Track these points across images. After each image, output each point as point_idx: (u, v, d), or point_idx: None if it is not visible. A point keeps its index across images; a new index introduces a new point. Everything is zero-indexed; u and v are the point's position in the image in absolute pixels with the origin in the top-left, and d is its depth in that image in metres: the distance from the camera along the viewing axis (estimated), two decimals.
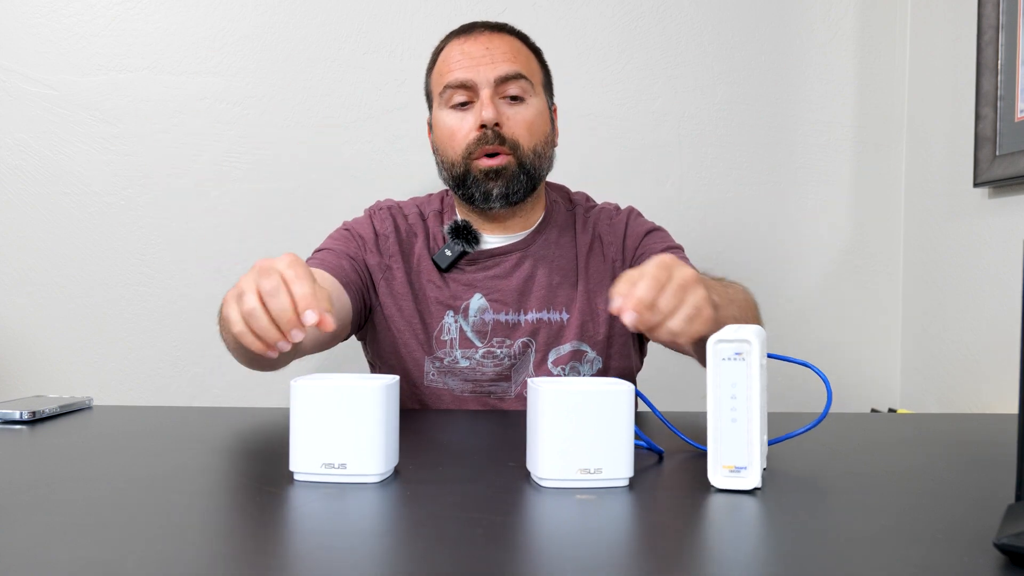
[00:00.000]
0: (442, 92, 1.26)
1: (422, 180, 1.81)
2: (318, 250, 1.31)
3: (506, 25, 1.32)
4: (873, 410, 1.87)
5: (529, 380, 0.78)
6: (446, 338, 1.29)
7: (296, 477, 0.74)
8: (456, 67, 1.25)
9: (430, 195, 1.40)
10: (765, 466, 0.78)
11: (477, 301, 1.29)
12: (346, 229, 1.34)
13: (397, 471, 0.77)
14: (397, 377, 0.79)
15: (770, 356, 0.78)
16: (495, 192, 1.24)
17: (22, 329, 1.83)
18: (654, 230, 1.36)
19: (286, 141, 1.86)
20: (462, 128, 1.25)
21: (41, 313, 1.83)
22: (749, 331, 0.73)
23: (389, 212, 1.34)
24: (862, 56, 1.96)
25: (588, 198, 1.42)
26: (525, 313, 1.29)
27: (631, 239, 1.34)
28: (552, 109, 1.34)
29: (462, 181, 1.26)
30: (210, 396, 1.84)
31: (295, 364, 1.28)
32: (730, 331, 0.74)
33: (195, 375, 1.86)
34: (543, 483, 0.73)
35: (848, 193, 1.97)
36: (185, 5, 1.84)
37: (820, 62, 1.96)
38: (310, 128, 1.86)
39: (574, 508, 0.66)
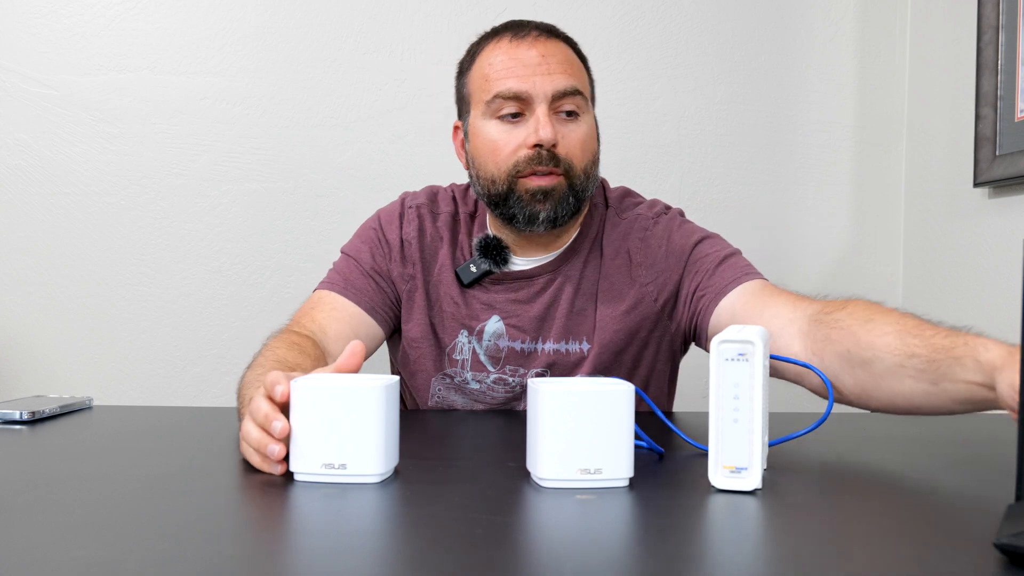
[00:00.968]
0: (491, 101, 1.14)
1: (423, 180, 1.81)
2: (346, 253, 1.25)
3: (557, 29, 1.20)
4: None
5: (529, 380, 0.78)
6: (458, 357, 1.21)
7: (296, 477, 0.74)
8: (508, 75, 1.13)
9: (469, 186, 1.28)
10: (765, 467, 0.78)
11: (493, 324, 1.20)
12: (375, 228, 1.26)
13: (397, 471, 0.77)
14: (397, 377, 0.79)
15: (772, 357, 0.78)
16: (542, 215, 1.14)
17: (22, 329, 1.83)
18: (705, 238, 1.21)
19: (286, 141, 1.86)
20: (510, 143, 1.13)
21: (41, 313, 1.83)
22: (752, 332, 0.73)
23: (418, 212, 1.25)
24: (862, 56, 1.96)
25: (627, 194, 1.29)
26: (543, 342, 1.20)
27: (674, 257, 1.20)
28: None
29: (503, 199, 1.15)
30: (210, 396, 1.84)
31: None
32: (733, 331, 0.74)
33: (195, 375, 1.86)
34: (543, 483, 0.73)
35: (848, 193, 1.97)
36: (185, 5, 1.84)
37: (820, 62, 1.95)
38: (310, 128, 1.86)
39: (574, 508, 0.66)
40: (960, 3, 1.76)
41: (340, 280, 1.22)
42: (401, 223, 1.25)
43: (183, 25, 1.84)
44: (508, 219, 1.17)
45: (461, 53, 1.28)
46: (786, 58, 1.95)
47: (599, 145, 1.22)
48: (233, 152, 1.85)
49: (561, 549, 0.55)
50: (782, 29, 1.95)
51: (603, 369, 1.19)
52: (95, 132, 1.83)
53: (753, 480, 0.71)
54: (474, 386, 1.21)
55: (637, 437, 0.85)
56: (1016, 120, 1.56)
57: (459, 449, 0.94)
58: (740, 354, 0.71)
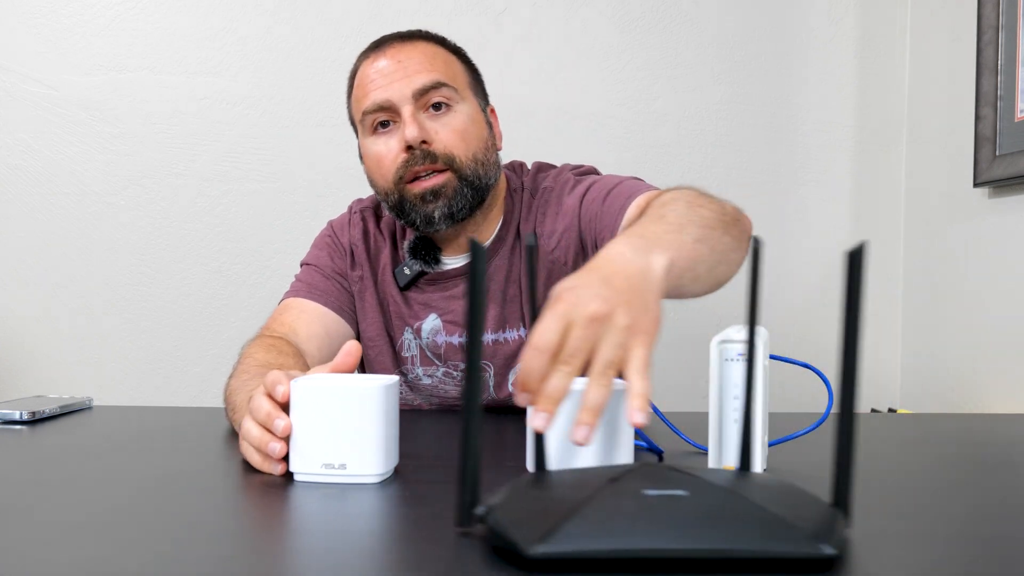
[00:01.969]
0: (362, 119, 1.15)
1: None
2: (306, 263, 1.27)
3: (419, 31, 1.21)
4: (873, 410, 1.87)
5: None
6: (407, 355, 1.24)
7: (296, 477, 0.74)
8: (370, 88, 1.14)
9: None
10: (765, 467, 0.78)
11: (431, 322, 1.22)
12: (330, 235, 1.28)
13: (397, 471, 0.77)
14: (397, 377, 0.79)
15: (771, 357, 0.78)
16: (436, 214, 1.14)
17: (22, 329, 1.83)
18: (593, 184, 1.17)
19: (286, 141, 1.86)
20: (389, 152, 1.14)
21: (41, 313, 1.83)
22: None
23: (362, 216, 1.27)
24: (862, 56, 1.96)
25: (539, 170, 1.26)
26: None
27: (567, 216, 1.17)
28: (488, 110, 1.22)
29: (399, 208, 1.16)
30: (210, 396, 1.84)
31: None
32: (734, 331, 0.74)
33: (195, 375, 1.86)
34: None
35: (848, 193, 1.97)
36: (185, 5, 1.84)
37: (820, 62, 1.96)
38: (310, 128, 1.86)
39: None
40: (960, 3, 1.76)
41: (304, 287, 1.23)
42: (349, 227, 1.27)
43: (183, 25, 1.84)
44: (411, 225, 1.18)
45: None
46: (786, 58, 1.95)
47: (492, 131, 1.20)
48: (233, 152, 1.85)
49: None
50: (782, 29, 1.95)
51: None
52: (95, 132, 1.83)
53: None
54: (426, 381, 1.23)
55: (637, 437, 0.85)
56: (1016, 120, 1.56)
57: (459, 449, 0.93)
58: (740, 354, 0.71)
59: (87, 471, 0.78)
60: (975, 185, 1.65)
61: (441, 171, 1.13)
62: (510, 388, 1.19)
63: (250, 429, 0.78)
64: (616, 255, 0.69)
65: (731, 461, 0.72)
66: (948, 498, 0.70)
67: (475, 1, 1.88)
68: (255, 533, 0.60)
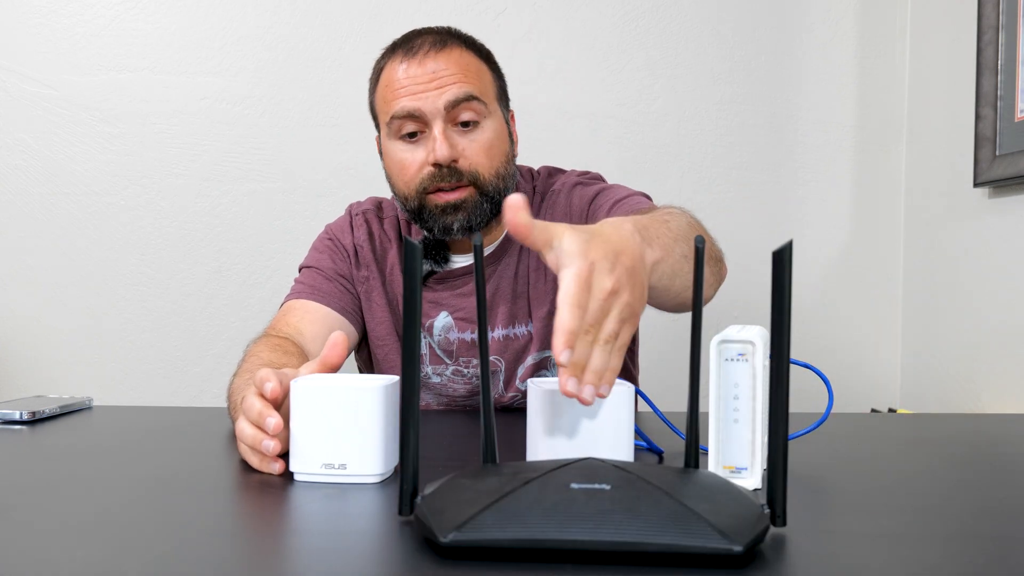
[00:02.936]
0: (390, 122, 1.15)
1: None
2: (306, 266, 1.27)
3: (451, 32, 1.20)
4: (873, 410, 1.87)
5: (529, 380, 0.78)
6: None
7: (296, 477, 0.73)
8: (402, 94, 1.13)
9: None
10: (765, 467, 0.78)
11: (442, 320, 1.23)
12: (329, 239, 1.28)
13: (397, 471, 0.77)
14: (397, 378, 0.79)
15: (771, 357, 0.78)
16: (456, 226, 1.15)
17: (22, 329, 1.83)
18: (601, 191, 1.20)
19: (286, 141, 1.86)
20: (413, 162, 1.15)
21: (41, 313, 1.83)
22: (753, 332, 0.73)
23: (365, 218, 1.28)
24: (862, 56, 1.96)
25: (549, 175, 1.29)
26: (491, 330, 1.20)
27: (576, 220, 1.19)
28: (509, 117, 1.23)
29: (418, 214, 1.17)
30: (210, 396, 1.84)
31: None
32: (733, 331, 0.74)
33: (195, 375, 1.86)
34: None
35: (848, 193, 1.97)
36: (185, 5, 1.84)
37: (820, 62, 1.96)
38: (310, 128, 1.86)
39: None
40: (960, 3, 1.76)
41: (306, 288, 1.23)
42: (352, 230, 1.27)
43: (183, 25, 1.84)
44: (428, 231, 1.19)
45: None
46: (786, 58, 1.95)
47: (512, 141, 1.22)
48: (233, 152, 1.85)
49: None
50: (782, 29, 1.95)
51: (547, 344, 1.20)
52: (95, 132, 1.83)
53: (753, 480, 0.71)
54: (435, 380, 1.24)
55: (637, 436, 0.85)
56: (1016, 120, 1.56)
57: (459, 449, 0.93)
58: (740, 354, 0.71)
59: (87, 471, 0.78)
60: (975, 185, 1.65)
61: (465, 187, 1.14)
62: (518, 385, 1.21)
63: (244, 429, 0.78)
64: (627, 234, 0.74)
65: (732, 461, 0.72)
66: (948, 498, 0.70)
67: (475, 1, 1.89)
68: (255, 533, 0.60)
